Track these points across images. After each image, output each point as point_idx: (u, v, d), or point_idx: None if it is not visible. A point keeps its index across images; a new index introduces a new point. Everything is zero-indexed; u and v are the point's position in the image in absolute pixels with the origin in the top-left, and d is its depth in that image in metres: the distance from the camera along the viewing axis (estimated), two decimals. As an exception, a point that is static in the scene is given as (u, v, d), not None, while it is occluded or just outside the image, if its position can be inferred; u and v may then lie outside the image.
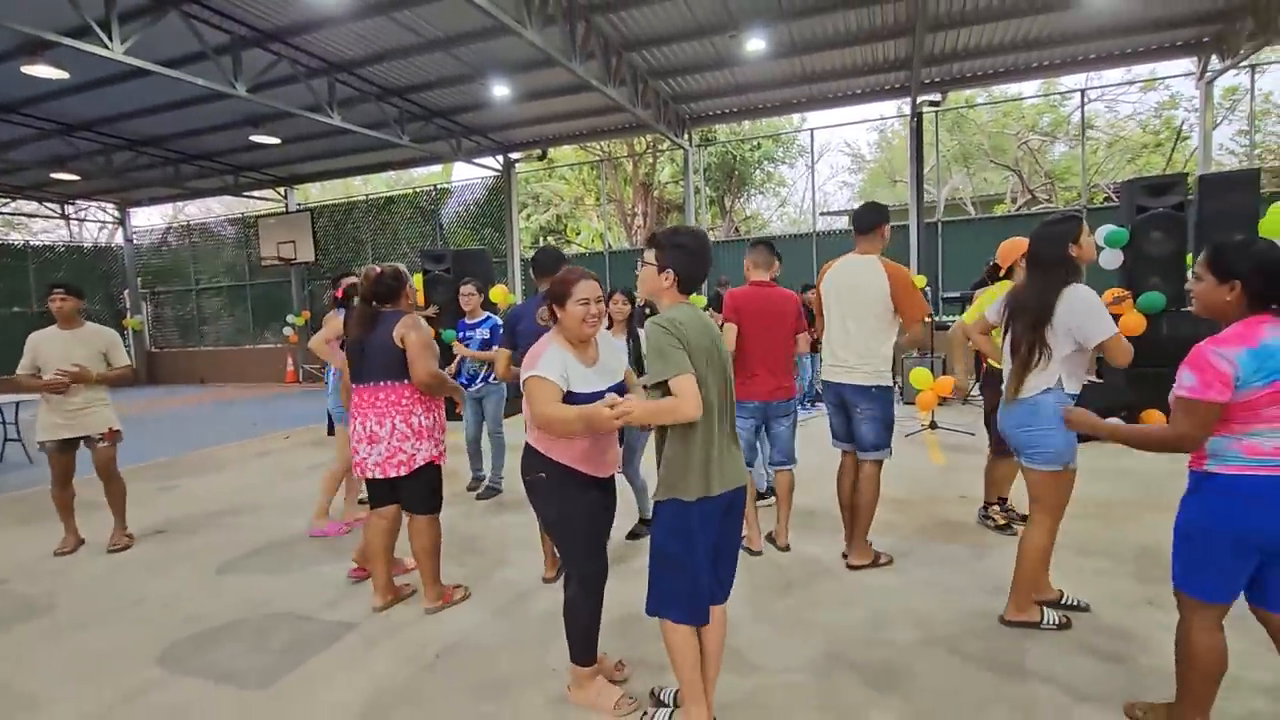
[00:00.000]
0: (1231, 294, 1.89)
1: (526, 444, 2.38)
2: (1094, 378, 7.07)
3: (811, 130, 13.25)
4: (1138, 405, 6.25)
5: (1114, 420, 2.20)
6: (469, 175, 14.41)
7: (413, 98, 10.63)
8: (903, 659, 2.66)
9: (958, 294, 9.12)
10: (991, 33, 9.14)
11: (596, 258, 13.49)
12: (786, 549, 3.80)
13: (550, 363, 2.23)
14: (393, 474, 3.09)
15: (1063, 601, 3.00)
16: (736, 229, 17.80)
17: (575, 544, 2.35)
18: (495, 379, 4.81)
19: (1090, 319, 2.62)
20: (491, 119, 11.89)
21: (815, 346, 4.44)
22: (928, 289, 9.28)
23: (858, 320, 3.42)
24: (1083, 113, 11.44)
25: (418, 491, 3.17)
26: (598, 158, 17.18)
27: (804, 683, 2.53)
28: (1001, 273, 4.01)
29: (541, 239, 19.05)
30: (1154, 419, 6.20)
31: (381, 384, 3.11)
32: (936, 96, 10.91)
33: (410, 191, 15.39)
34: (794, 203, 21.29)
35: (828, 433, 3.77)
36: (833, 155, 27.40)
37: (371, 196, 16.25)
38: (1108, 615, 2.92)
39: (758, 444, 4.00)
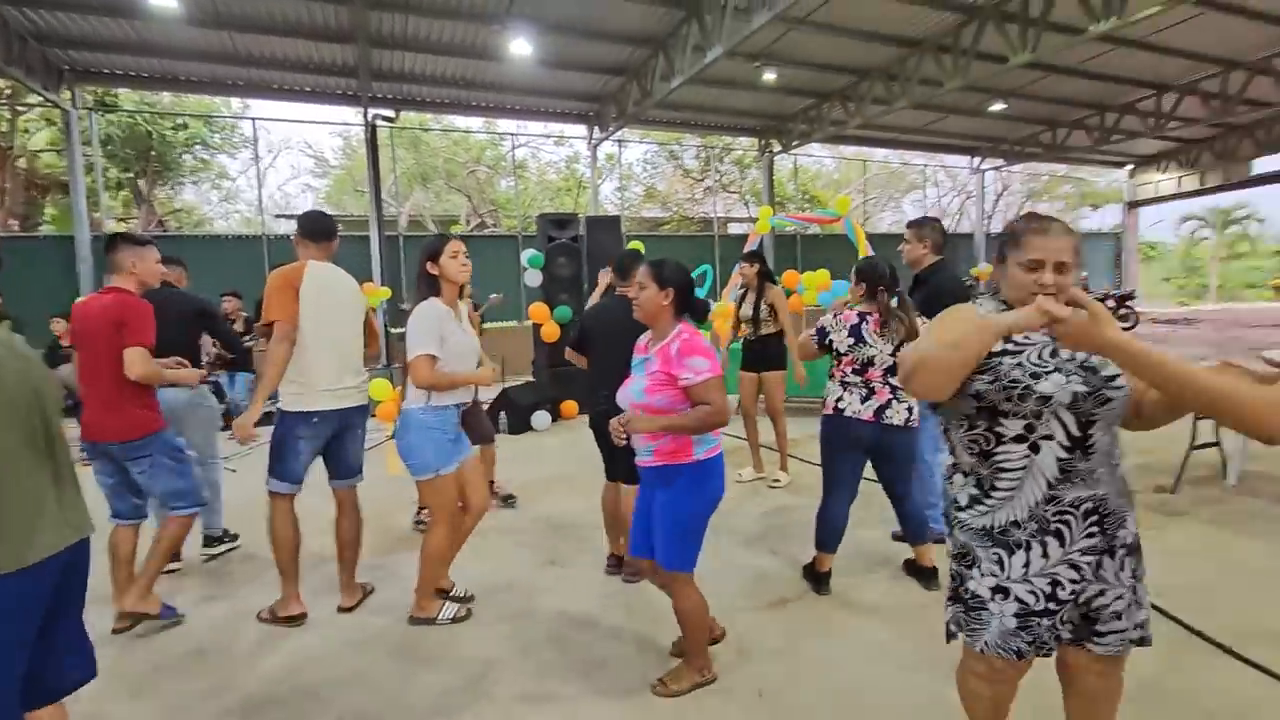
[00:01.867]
0: (667, 300, 2.26)
1: None
2: (530, 377, 8.35)
3: (254, 120, 11.79)
4: (559, 398, 7.66)
5: (662, 419, 2.24)
6: None
7: None
8: (329, 679, 2.59)
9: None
10: (436, 64, 9.84)
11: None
12: (130, 626, 2.94)
13: None
14: None
15: (451, 593, 3.16)
16: (161, 222, 14.45)
17: None
18: None
19: (411, 336, 2.73)
20: None
21: (235, 365, 3.87)
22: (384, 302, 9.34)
23: (351, 338, 3.14)
24: (513, 154, 13.51)
25: None
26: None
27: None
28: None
29: None
30: (570, 409, 7.68)
31: None
32: (390, 113, 11.15)
33: None
34: (248, 200, 18.68)
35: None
36: (293, 155, 25.27)
37: None
38: (523, 580, 3.36)
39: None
